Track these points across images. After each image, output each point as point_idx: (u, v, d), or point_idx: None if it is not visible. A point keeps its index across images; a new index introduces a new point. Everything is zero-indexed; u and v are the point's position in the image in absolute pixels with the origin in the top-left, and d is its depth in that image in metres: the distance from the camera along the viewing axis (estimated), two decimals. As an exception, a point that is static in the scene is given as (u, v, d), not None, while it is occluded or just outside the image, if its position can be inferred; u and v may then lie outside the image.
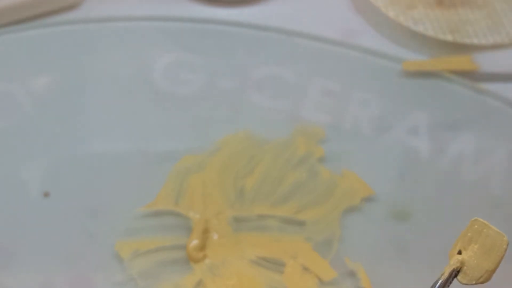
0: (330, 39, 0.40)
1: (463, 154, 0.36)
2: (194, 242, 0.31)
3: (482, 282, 0.21)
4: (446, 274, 0.21)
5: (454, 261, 0.21)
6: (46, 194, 0.33)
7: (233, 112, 0.37)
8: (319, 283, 0.30)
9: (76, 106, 0.37)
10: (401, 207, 0.34)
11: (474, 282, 0.21)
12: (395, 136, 0.37)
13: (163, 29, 0.41)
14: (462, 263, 0.21)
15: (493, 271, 0.21)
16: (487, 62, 0.40)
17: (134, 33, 0.41)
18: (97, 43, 0.40)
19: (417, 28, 0.41)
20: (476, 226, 0.22)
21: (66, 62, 0.39)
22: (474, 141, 0.36)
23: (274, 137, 0.35)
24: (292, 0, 0.43)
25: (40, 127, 0.36)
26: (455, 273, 0.21)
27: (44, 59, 0.39)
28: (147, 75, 0.38)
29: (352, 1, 0.43)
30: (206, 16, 0.41)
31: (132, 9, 0.41)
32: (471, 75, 0.39)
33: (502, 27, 0.41)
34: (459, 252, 0.22)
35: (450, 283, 0.21)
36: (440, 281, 0.21)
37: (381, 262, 0.32)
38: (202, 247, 0.31)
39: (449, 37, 0.40)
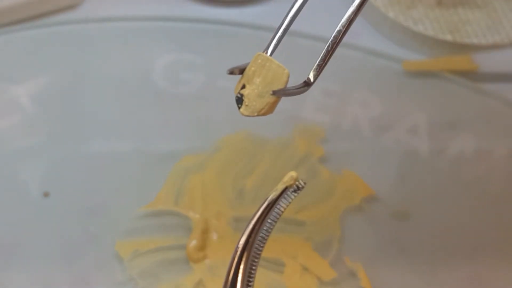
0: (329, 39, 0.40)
1: (463, 154, 0.36)
2: (194, 242, 0.31)
3: (264, 114, 0.21)
4: (278, 191, 0.21)
5: (287, 178, 0.21)
6: (46, 194, 0.33)
7: (233, 112, 0.37)
8: (319, 283, 0.30)
9: (76, 106, 0.37)
10: (401, 206, 0.34)
11: (256, 114, 0.21)
12: (395, 136, 0.37)
13: (163, 29, 0.41)
14: (245, 96, 0.21)
15: (275, 103, 0.21)
16: (487, 62, 0.40)
17: (134, 33, 0.41)
18: (97, 43, 0.40)
19: (417, 28, 0.41)
20: (259, 61, 0.21)
21: (66, 62, 0.39)
22: (474, 141, 0.36)
23: (274, 137, 0.35)
24: (292, 0, 0.43)
25: (40, 127, 0.36)
26: (294, 189, 0.21)
27: (44, 59, 0.39)
28: (147, 75, 0.38)
29: (352, 1, 0.43)
30: (206, 16, 0.41)
31: (132, 9, 0.41)
32: (471, 75, 0.39)
33: (502, 27, 0.41)
34: (243, 86, 0.21)
35: (288, 201, 0.21)
36: (271, 197, 0.21)
37: (381, 262, 0.32)
38: (202, 247, 0.31)
39: (449, 37, 0.40)
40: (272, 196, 0.21)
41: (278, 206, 0.21)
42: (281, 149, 0.35)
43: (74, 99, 0.37)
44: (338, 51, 0.41)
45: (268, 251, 0.31)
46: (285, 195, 0.21)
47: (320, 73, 0.22)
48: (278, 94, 0.21)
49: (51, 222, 0.32)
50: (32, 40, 0.40)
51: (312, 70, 0.21)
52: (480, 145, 0.36)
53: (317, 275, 0.31)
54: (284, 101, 0.38)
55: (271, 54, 0.22)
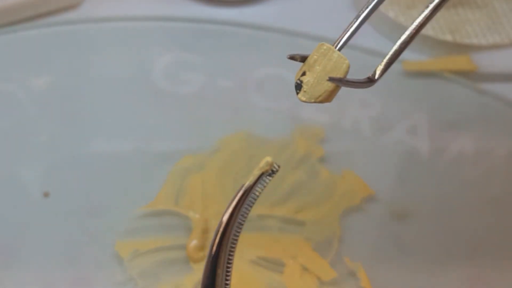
0: (330, 39, 0.40)
1: (463, 154, 0.36)
2: (194, 242, 0.31)
3: (321, 101, 0.22)
4: (254, 177, 0.21)
5: (263, 164, 0.21)
6: (46, 194, 0.33)
7: (233, 112, 0.37)
8: (319, 283, 0.30)
9: (76, 106, 0.37)
10: (401, 206, 0.34)
11: (313, 101, 0.22)
12: (395, 136, 0.37)
13: (163, 29, 0.41)
14: (304, 83, 0.22)
15: (332, 92, 0.21)
16: (487, 62, 0.40)
17: (134, 33, 0.41)
18: (97, 43, 0.40)
19: (417, 28, 0.40)
20: (322, 50, 0.22)
21: (66, 62, 0.39)
22: (474, 141, 0.36)
23: (274, 137, 0.35)
24: (292, 0, 0.43)
25: (40, 127, 0.36)
26: (269, 173, 0.21)
27: (44, 59, 0.39)
28: (147, 75, 0.38)
29: (352, 1, 0.43)
30: (206, 16, 0.41)
31: (132, 9, 0.41)
32: (471, 75, 0.39)
33: (502, 27, 0.41)
34: (304, 73, 0.22)
35: (263, 185, 0.21)
36: (248, 183, 0.21)
37: (381, 262, 0.32)
38: (202, 247, 0.31)
39: (448, 37, 0.40)
40: (249, 182, 0.21)
41: (254, 191, 0.21)
42: (281, 149, 0.35)
43: (74, 99, 0.37)
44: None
45: (268, 251, 0.31)
46: (261, 180, 0.21)
47: (386, 71, 0.22)
48: (335, 81, 0.21)
49: (51, 222, 0.32)
50: (32, 40, 0.40)
51: (379, 68, 0.22)
52: (480, 145, 0.36)
53: (317, 275, 0.31)
54: (284, 101, 0.38)
55: (340, 49, 0.22)
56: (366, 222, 0.33)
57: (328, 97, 0.22)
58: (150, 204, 0.33)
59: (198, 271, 0.30)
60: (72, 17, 0.41)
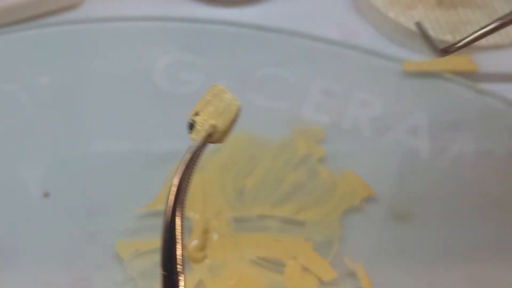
0: (330, 39, 0.40)
1: (463, 154, 0.36)
2: (194, 242, 0.31)
3: (212, 142, 0.22)
4: (200, 141, 0.22)
5: (207, 126, 0.22)
6: (46, 194, 0.33)
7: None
8: (319, 283, 0.30)
9: (76, 106, 0.37)
10: (401, 207, 0.34)
11: (204, 142, 0.22)
12: (395, 136, 0.37)
13: (163, 29, 0.41)
14: (197, 123, 0.22)
15: (224, 132, 0.22)
16: (487, 62, 0.40)
17: (134, 33, 0.41)
18: (97, 43, 0.40)
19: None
20: (215, 91, 0.23)
21: (66, 62, 0.39)
22: (474, 141, 0.36)
23: (274, 137, 0.35)
24: (292, 0, 0.43)
25: (40, 127, 0.36)
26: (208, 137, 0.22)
27: (44, 59, 0.39)
28: (147, 75, 0.38)
29: (352, 1, 0.43)
30: (206, 16, 0.41)
31: (132, 9, 0.41)
32: (471, 75, 0.39)
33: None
34: (197, 114, 0.22)
35: (203, 148, 0.22)
36: (195, 147, 0.22)
37: (381, 262, 0.32)
38: (202, 247, 0.31)
39: (449, 37, 0.40)
40: (198, 145, 0.22)
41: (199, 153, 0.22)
42: (281, 149, 0.35)
43: (74, 99, 0.37)
44: (338, 50, 0.41)
45: (268, 251, 0.31)
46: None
47: None
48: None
49: (51, 222, 0.32)
50: (32, 40, 0.40)
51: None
52: (480, 145, 0.36)
53: (317, 275, 0.31)
54: (284, 101, 0.38)
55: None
56: (366, 223, 0.33)
57: (219, 138, 0.22)
58: (150, 204, 0.33)
59: (198, 271, 0.30)
60: (72, 17, 0.41)
